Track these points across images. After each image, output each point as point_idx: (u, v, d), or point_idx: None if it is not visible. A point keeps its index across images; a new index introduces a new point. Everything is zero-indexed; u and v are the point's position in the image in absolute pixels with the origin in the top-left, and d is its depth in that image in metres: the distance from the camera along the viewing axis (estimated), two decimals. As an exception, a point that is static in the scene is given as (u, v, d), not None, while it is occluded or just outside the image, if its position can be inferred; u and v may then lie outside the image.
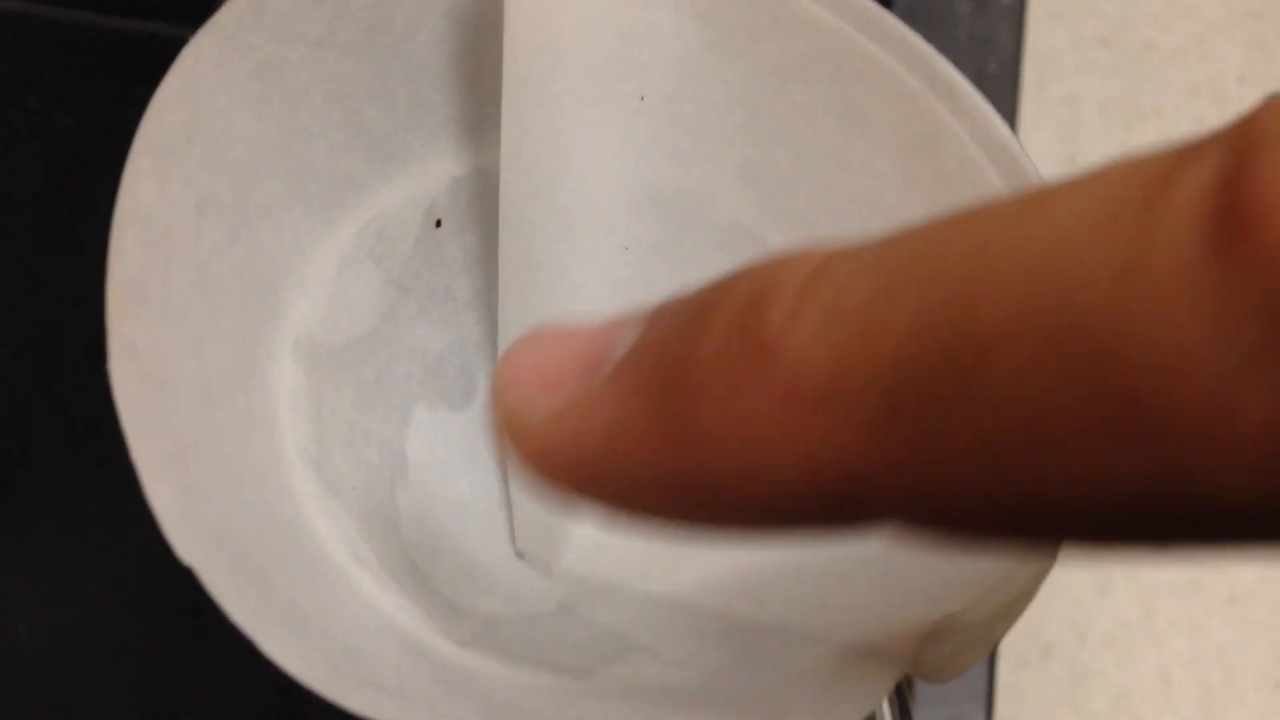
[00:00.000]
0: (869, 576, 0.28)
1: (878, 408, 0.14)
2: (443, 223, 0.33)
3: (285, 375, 0.29)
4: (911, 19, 0.55)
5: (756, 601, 0.29)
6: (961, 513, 0.14)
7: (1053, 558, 0.26)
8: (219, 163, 0.27)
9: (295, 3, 0.28)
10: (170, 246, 0.26)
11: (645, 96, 0.31)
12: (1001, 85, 0.55)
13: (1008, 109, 0.55)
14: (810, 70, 0.30)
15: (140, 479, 0.23)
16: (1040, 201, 0.14)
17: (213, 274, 0.27)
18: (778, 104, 0.31)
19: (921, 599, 0.26)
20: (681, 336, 0.17)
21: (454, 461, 0.34)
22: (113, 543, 0.41)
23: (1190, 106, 0.70)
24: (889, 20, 0.29)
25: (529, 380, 0.19)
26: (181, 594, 0.40)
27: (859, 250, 0.16)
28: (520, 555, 0.34)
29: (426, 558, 0.31)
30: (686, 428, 0.16)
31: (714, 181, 0.32)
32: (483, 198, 0.33)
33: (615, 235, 0.33)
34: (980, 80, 0.55)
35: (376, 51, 0.30)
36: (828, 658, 0.26)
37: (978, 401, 0.13)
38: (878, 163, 0.30)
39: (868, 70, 0.29)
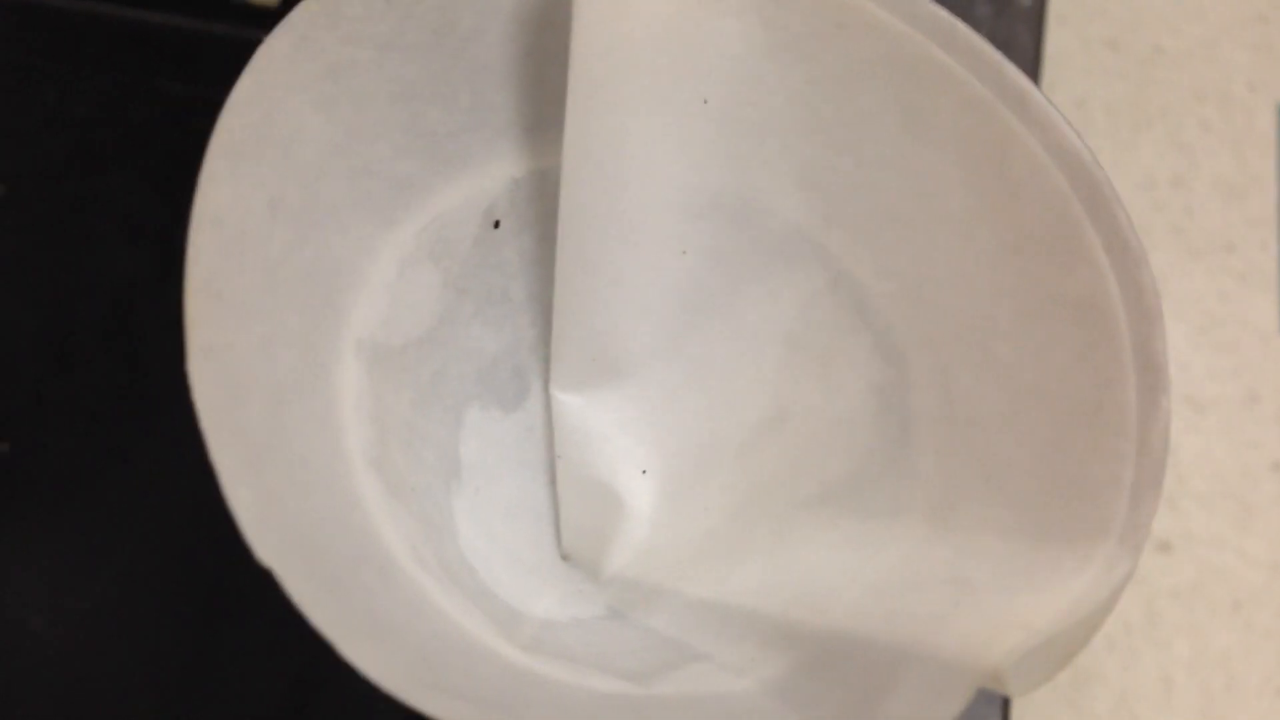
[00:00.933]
0: (940, 587, 0.28)
1: None
2: (501, 224, 0.33)
3: (349, 376, 0.29)
4: (930, 20, 0.55)
5: (816, 609, 0.29)
6: None
7: (1130, 572, 0.26)
8: (288, 164, 0.27)
9: (366, 4, 0.28)
10: (242, 248, 0.26)
11: (709, 100, 0.31)
12: (1020, 88, 0.55)
13: (1026, 112, 0.55)
14: (875, 76, 0.30)
15: (220, 481, 0.23)
16: None
17: (282, 275, 0.27)
18: (841, 109, 0.30)
19: (997, 610, 0.26)
20: None
21: (503, 464, 0.34)
22: (124, 536, 0.41)
23: (1198, 110, 0.70)
24: (958, 26, 0.29)
25: None
26: (193, 586, 0.40)
27: None
28: (565, 557, 0.34)
29: (483, 560, 0.31)
30: None
31: (775, 187, 0.32)
32: (541, 199, 0.33)
33: (674, 239, 0.32)
34: (998, 83, 0.55)
35: (442, 53, 0.30)
36: (899, 669, 0.26)
37: None
38: (943, 170, 0.30)
39: (934, 76, 0.29)
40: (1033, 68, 0.56)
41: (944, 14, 0.29)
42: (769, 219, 0.32)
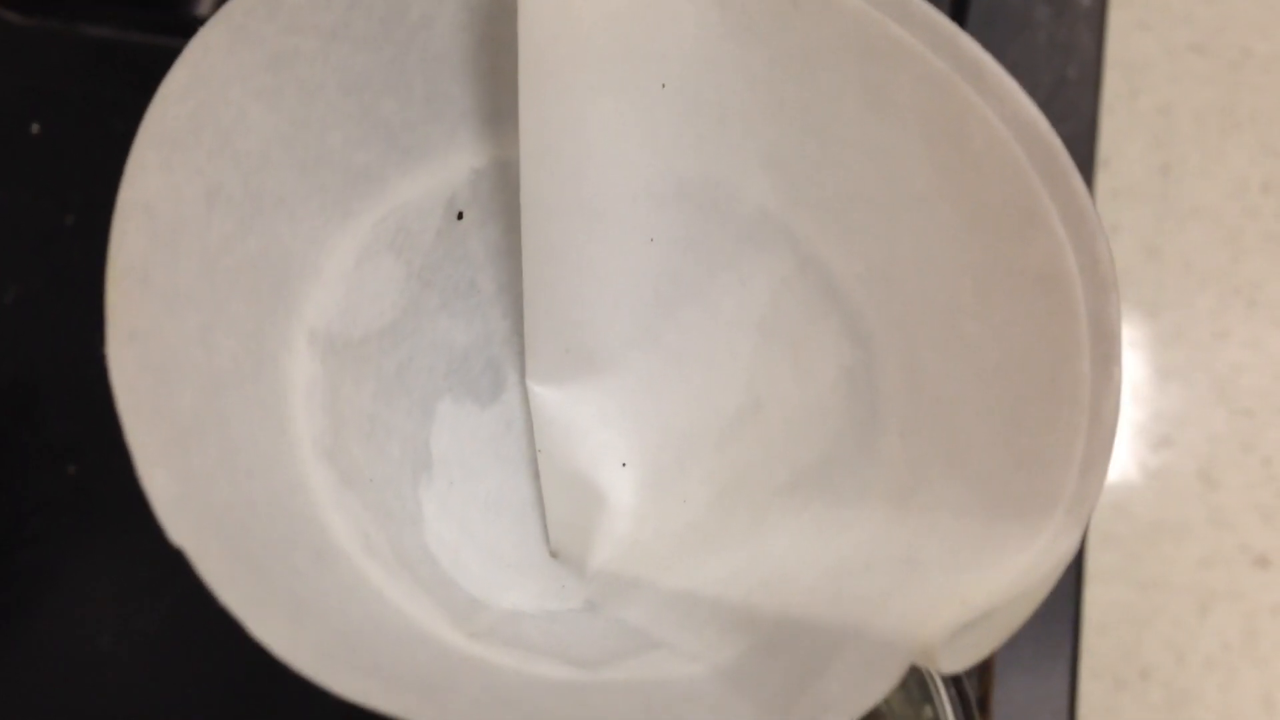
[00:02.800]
0: (893, 567, 0.27)
1: None
2: (464, 215, 0.33)
3: (300, 366, 0.29)
4: (989, 25, 0.54)
5: (775, 593, 0.28)
6: None
7: (1074, 547, 0.25)
8: (229, 154, 0.27)
9: None
10: (176, 236, 0.26)
11: (667, 84, 0.31)
12: (1082, 91, 0.54)
13: (1089, 115, 0.54)
14: (834, 55, 0.29)
15: (135, 463, 0.23)
16: None
17: (222, 264, 0.27)
18: (802, 90, 0.30)
19: (940, 589, 0.26)
20: None
21: (481, 458, 0.34)
22: (189, 561, 0.42)
23: (1289, 113, 0.68)
24: (913, 1, 0.28)
25: None
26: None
27: None
28: (554, 554, 0.34)
29: (449, 552, 0.31)
30: None
31: (739, 170, 0.32)
32: (504, 190, 0.33)
33: (640, 227, 0.32)
34: (1060, 86, 0.54)
35: (392, 43, 0.30)
36: (838, 649, 0.25)
37: None
38: (905, 147, 0.29)
39: (892, 52, 0.29)
40: (1095, 71, 0.55)
41: None
42: (736, 203, 0.32)
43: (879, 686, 0.24)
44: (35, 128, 0.49)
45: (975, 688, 0.48)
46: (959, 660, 0.24)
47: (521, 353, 0.34)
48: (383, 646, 0.25)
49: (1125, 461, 0.66)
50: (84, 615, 0.43)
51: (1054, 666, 0.49)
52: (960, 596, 0.25)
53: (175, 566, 0.42)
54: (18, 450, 0.45)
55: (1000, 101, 0.28)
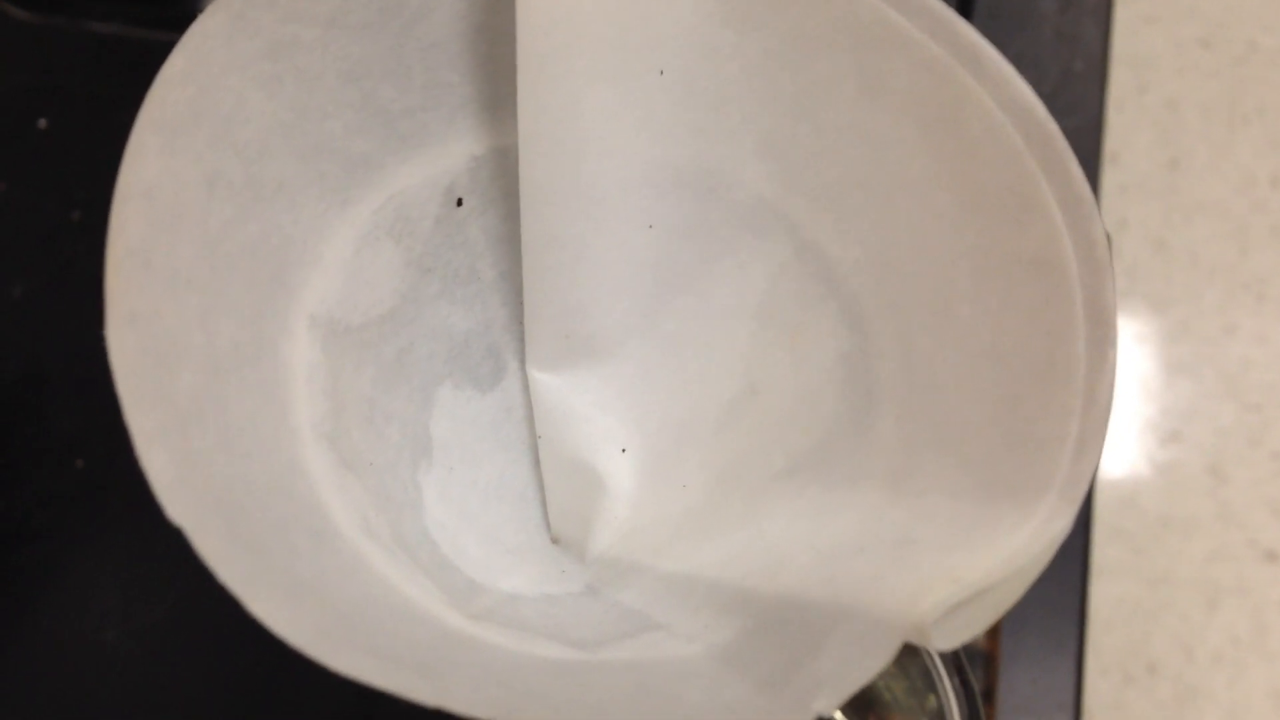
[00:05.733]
0: (887, 549, 0.28)
1: None
2: (464, 202, 0.33)
3: (300, 351, 0.29)
4: (994, 17, 0.55)
5: (771, 576, 0.29)
6: None
7: (1066, 528, 0.25)
8: (229, 141, 0.27)
9: None
10: (176, 221, 0.26)
11: (664, 72, 0.31)
12: (1088, 84, 0.54)
13: (1095, 108, 0.54)
14: (830, 41, 0.29)
15: (134, 443, 0.23)
16: None
17: (222, 250, 0.27)
18: (798, 77, 0.30)
19: (933, 569, 0.26)
20: None
21: (482, 444, 0.34)
22: (194, 553, 0.42)
23: (1297, 107, 0.68)
24: None
25: None
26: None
27: None
28: (555, 540, 0.34)
29: (449, 536, 0.31)
30: None
31: (736, 157, 0.32)
32: (504, 177, 0.33)
33: (639, 213, 0.32)
34: (1067, 79, 0.54)
35: (391, 31, 0.30)
36: (832, 628, 0.26)
37: None
38: (901, 133, 0.29)
39: (889, 39, 0.29)
40: (1101, 64, 0.55)
41: None
42: (734, 190, 0.32)
43: (873, 663, 0.24)
44: (42, 123, 0.49)
45: (980, 679, 0.48)
46: (952, 638, 0.24)
47: (521, 339, 0.34)
48: (381, 626, 0.25)
49: (1133, 456, 0.66)
50: (90, 609, 0.43)
51: (1059, 659, 0.49)
52: (953, 575, 0.25)
53: (181, 561, 0.42)
54: (25, 444, 0.45)
55: (997, 87, 0.28)
